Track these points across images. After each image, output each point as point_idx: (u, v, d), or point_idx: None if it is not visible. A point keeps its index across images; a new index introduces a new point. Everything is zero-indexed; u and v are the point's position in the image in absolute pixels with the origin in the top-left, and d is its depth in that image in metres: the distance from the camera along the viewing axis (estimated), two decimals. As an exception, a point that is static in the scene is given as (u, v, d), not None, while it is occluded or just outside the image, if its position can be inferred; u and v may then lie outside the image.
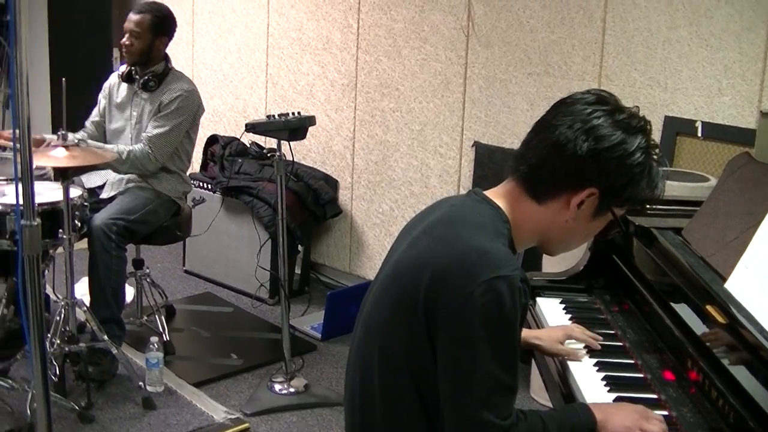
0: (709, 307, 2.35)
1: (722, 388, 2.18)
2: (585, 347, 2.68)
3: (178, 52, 7.13)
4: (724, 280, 2.43)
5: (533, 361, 2.91)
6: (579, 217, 2.20)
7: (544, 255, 3.23)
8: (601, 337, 2.72)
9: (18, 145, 2.65)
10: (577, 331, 2.71)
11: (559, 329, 2.74)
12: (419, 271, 2.09)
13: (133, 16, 5.04)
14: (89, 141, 4.88)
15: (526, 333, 2.67)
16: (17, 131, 2.64)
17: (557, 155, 2.15)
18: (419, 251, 2.17)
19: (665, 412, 2.30)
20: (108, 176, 5.17)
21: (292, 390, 4.75)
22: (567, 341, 2.69)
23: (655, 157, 2.19)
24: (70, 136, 4.45)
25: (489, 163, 5.35)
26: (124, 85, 5.20)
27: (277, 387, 4.77)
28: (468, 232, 2.12)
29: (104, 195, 5.14)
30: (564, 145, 2.13)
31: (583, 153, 2.11)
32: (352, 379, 2.32)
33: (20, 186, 2.67)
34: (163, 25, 5.10)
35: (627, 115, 2.18)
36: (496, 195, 2.25)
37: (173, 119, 4.99)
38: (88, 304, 4.64)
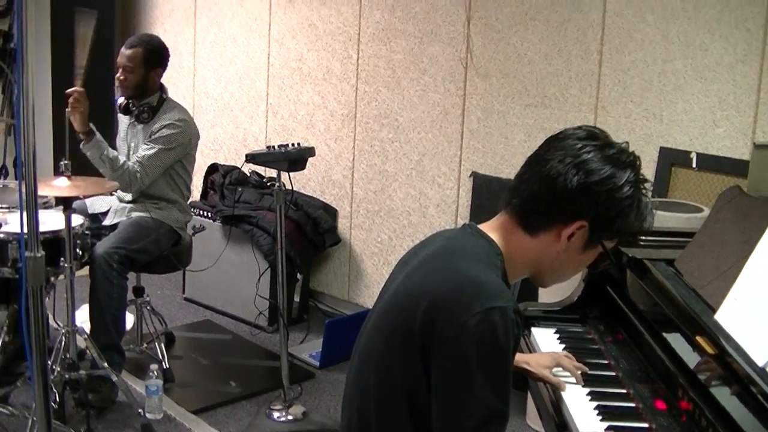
0: (699, 338, 2.39)
1: (711, 417, 2.21)
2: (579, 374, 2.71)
3: (179, 80, 7.19)
4: (715, 311, 2.47)
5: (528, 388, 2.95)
6: (570, 249, 2.25)
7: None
8: (587, 368, 2.75)
9: (24, 174, 2.68)
10: (565, 360, 2.74)
11: (548, 355, 2.78)
12: (415, 302, 2.13)
13: (125, 51, 5.08)
14: (97, 133, 4.90)
15: (516, 357, 2.71)
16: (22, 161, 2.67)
17: (548, 188, 2.20)
18: (415, 282, 2.21)
19: (656, 441, 2.34)
20: (112, 203, 5.22)
21: (290, 417, 4.77)
22: (556, 369, 2.73)
23: (644, 191, 2.25)
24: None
25: (486, 194, 5.39)
26: (124, 119, 5.27)
27: (276, 414, 4.79)
28: (463, 264, 2.17)
29: (107, 222, 5.18)
30: (555, 178, 2.19)
31: (573, 186, 2.16)
32: (349, 408, 2.35)
33: (25, 216, 2.70)
34: (156, 57, 5.14)
35: (617, 150, 2.23)
36: (490, 228, 2.30)
37: (161, 143, 5.03)
38: (88, 332, 4.68)
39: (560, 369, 2.74)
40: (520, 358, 2.73)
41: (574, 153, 2.20)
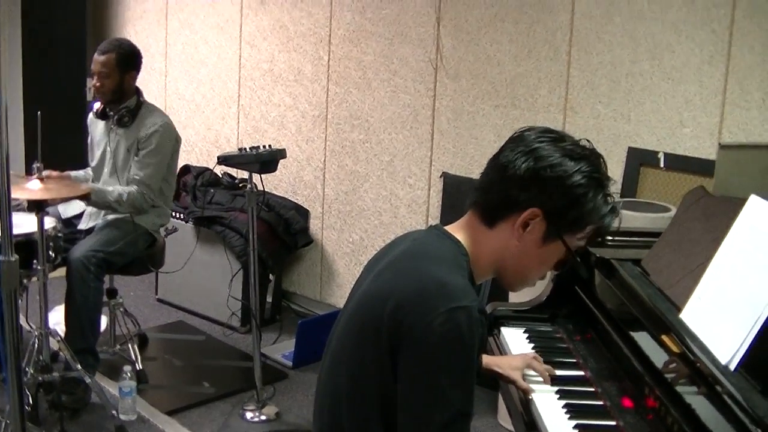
0: (664, 337, 2.43)
1: (677, 415, 2.26)
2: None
3: (150, 82, 7.19)
4: (680, 310, 2.51)
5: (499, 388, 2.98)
6: (527, 242, 2.25)
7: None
8: (554, 371, 2.77)
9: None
10: (535, 363, 2.77)
11: (519, 358, 2.80)
12: (383, 303, 2.15)
13: (98, 57, 5.06)
14: (92, 185, 4.96)
15: (487, 359, 2.74)
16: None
17: (500, 176, 2.24)
18: (382, 283, 2.23)
19: (623, 438, 2.39)
20: (85, 206, 5.22)
21: (263, 418, 4.80)
22: (527, 370, 2.76)
23: (603, 185, 2.25)
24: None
25: (457, 194, 5.43)
26: (100, 123, 5.24)
27: (249, 415, 4.81)
28: (429, 265, 2.19)
29: (82, 226, 5.18)
30: (505, 166, 2.22)
31: (522, 172, 2.19)
32: (320, 409, 2.37)
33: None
34: (130, 60, 5.13)
35: (571, 143, 2.25)
36: (456, 229, 2.34)
37: (155, 156, 5.06)
38: (62, 334, 4.68)
39: (531, 371, 2.77)
40: (491, 361, 2.76)
41: (526, 143, 2.23)
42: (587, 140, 2.30)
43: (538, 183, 2.19)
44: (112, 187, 5.00)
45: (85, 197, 4.83)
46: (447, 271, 2.17)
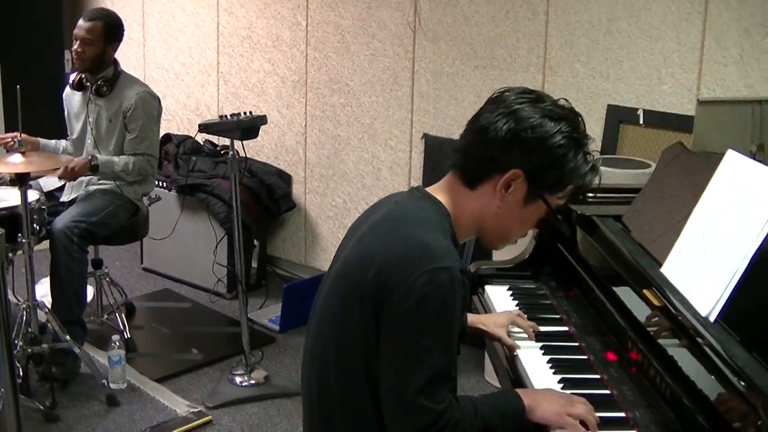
0: (646, 291, 2.47)
1: (659, 367, 2.30)
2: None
3: (129, 52, 7.17)
4: (661, 265, 2.55)
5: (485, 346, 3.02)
6: (509, 202, 2.28)
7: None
8: (538, 327, 2.80)
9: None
10: (519, 320, 2.80)
11: (503, 315, 2.83)
12: (366, 265, 2.18)
13: (84, 24, 5.04)
14: (98, 156, 4.97)
15: (472, 318, 2.78)
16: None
17: (480, 139, 2.26)
18: (365, 246, 2.26)
19: (607, 391, 2.43)
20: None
21: (252, 382, 4.84)
22: (511, 327, 2.79)
23: (583, 145, 2.27)
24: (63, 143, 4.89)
25: (438, 155, 5.45)
26: (78, 94, 5.24)
27: (238, 379, 4.85)
28: (411, 227, 2.22)
29: (64, 198, 5.19)
30: (486, 128, 2.24)
31: (503, 134, 2.21)
32: (309, 373, 2.40)
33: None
34: (114, 31, 5.12)
35: (550, 103, 2.27)
36: (437, 190, 2.36)
37: (147, 126, 5.10)
38: (48, 306, 4.71)
39: (515, 328, 2.80)
40: (476, 320, 2.79)
41: (506, 104, 2.25)
42: (565, 99, 2.32)
43: (519, 144, 2.21)
44: (117, 157, 5.02)
45: (94, 169, 4.86)
46: (429, 232, 2.20)
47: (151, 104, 5.15)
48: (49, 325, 4.70)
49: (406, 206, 2.33)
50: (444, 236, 2.23)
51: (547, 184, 2.27)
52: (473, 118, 2.33)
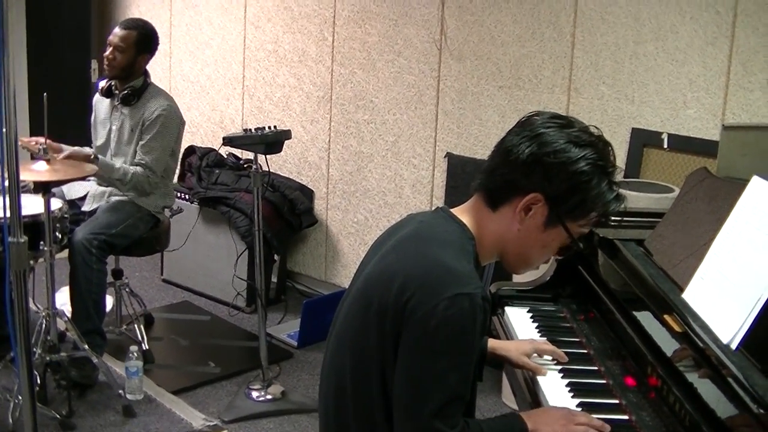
0: (667, 317, 2.45)
1: (679, 393, 2.28)
2: (553, 360, 2.75)
3: (155, 63, 7.14)
4: (683, 290, 2.53)
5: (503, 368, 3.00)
6: (529, 226, 2.27)
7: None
8: (565, 357, 2.76)
9: (6, 160, 2.71)
10: (545, 347, 2.76)
11: (527, 343, 2.79)
12: (388, 283, 2.18)
13: (119, 31, 5.09)
14: (100, 157, 4.98)
15: (494, 344, 2.75)
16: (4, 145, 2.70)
17: (504, 160, 2.26)
18: (389, 264, 2.26)
19: (626, 417, 2.41)
20: (90, 188, 5.23)
21: (269, 397, 4.83)
22: (534, 356, 2.76)
23: (608, 173, 2.26)
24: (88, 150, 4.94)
25: (461, 174, 5.45)
26: (105, 101, 5.26)
27: (255, 394, 4.84)
28: (435, 249, 2.22)
29: (86, 207, 5.19)
30: (509, 150, 2.24)
31: (525, 157, 2.21)
32: (326, 390, 2.40)
33: (7, 201, 2.73)
34: (148, 42, 5.17)
35: (578, 129, 2.26)
36: (462, 211, 2.36)
37: (160, 140, 5.08)
38: (68, 315, 4.72)
39: (539, 356, 2.78)
40: (499, 346, 2.77)
41: (532, 128, 2.25)
42: (596, 127, 2.31)
43: (540, 168, 2.20)
44: (119, 163, 5.02)
45: (91, 165, 4.86)
46: (453, 255, 2.20)
47: (171, 122, 5.15)
48: (68, 333, 4.71)
49: (431, 227, 2.33)
50: (467, 260, 2.23)
51: (569, 209, 2.26)
52: (501, 140, 2.32)
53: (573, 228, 2.30)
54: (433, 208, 2.45)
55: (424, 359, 2.11)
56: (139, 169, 5.02)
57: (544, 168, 2.20)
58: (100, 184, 5.18)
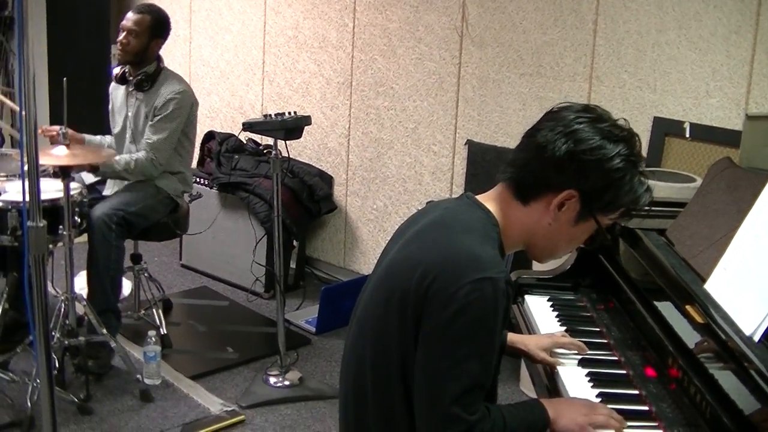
0: (688, 307, 2.43)
1: (700, 385, 2.26)
2: (574, 353, 2.73)
3: (175, 48, 7.20)
4: (705, 280, 2.51)
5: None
6: (560, 221, 2.27)
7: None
8: (586, 348, 2.74)
9: (25, 144, 2.71)
10: (564, 340, 2.74)
11: (546, 337, 2.77)
12: (411, 269, 2.17)
13: (132, 16, 5.10)
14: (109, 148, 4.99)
15: (513, 338, 2.73)
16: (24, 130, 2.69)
17: (538, 157, 2.24)
18: (412, 251, 2.25)
19: (646, 407, 2.39)
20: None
21: (287, 383, 4.83)
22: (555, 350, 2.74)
23: (639, 168, 2.26)
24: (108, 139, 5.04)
25: (481, 162, 5.43)
26: (121, 88, 5.27)
27: (272, 380, 4.84)
28: (459, 235, 2.21)
29: (106, 192, 5.22)
30: (544, 146, 2.22)
31: (561, 154, 2.19)
32: (346, 375, 2.40)
33: (26, 185, 2.73)
34: (161, 27, 5.16)
35: (610, 124, 2.25)
36: (487, 199, 2.34)
37: (170, 123, 5.07)
38: (84, 296, 4.73)
39: (559, 349, 2.76)
40: (519, 340, 2.75)
41: (565, 123, 2.23)
42: (624, 119, 2.30)
43: (576, 165, 2.20)
44: (118, 156, 5.01)
45: (94, 169, 4.87)
46: (477, 241, 2.19)
47: (183, 105, 5.14)
48: (85, 317, 4.71)
49: (456, 213, 2.32)
50: (492, 246, 2.22)
51: (602, 205, 2.26)
52: (530, 134, 2.30)
53: (602, 220, 2.30)
54: (458, 195, 2.43)
55: (445, 345, 2.10)
56: (141, 154, 5.03)
57: (580, 165, 2.20)
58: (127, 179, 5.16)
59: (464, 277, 2.08)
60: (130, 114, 5.20)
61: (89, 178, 5.27)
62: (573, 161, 2.19)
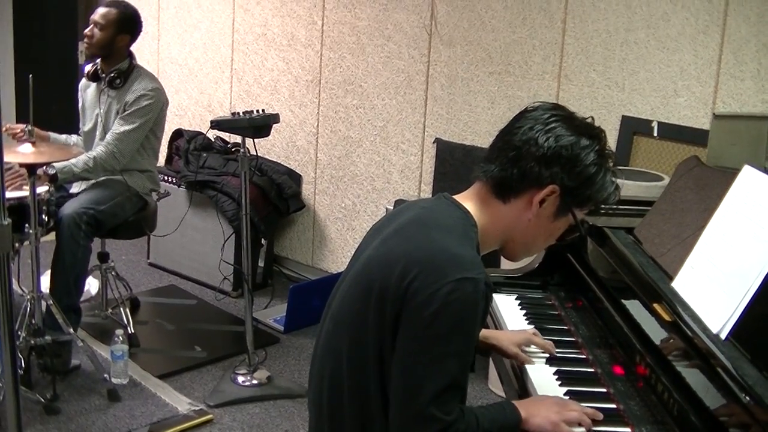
0: (656, 306, 2.44)
1: (667, 382, 2.27)
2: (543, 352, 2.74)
3: (143, 46, 7.15)
4: (672, 279, 2.52)
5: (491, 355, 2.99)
6: (541, 216, 2.31)
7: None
8: (555, 351, 2.74)
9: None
10: (536, 339, 2.75)
11: (519, 334, 2.77)
12: (391, 266, 2.17)
13: (100, 9, 5.11)
14: (56, 166, 4.88)
15: (486, 333, 2.73)
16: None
17: (520, 154, 2.26)
18: (390, 248, 2.25)
19: (613, 405, 2.39)
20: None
21: (255, 382, 4.82)
22: (526, 346, 2.74)
23: (609, 164, 2.32)
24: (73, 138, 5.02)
25: (450, 160, 5.43)
26: (92, 86, 5.25)
27: (241, 379, 4.83)
28: (438, 234, 2.21)
29: (74, 190, 5.17)
30: (527, 144, 2.26)
31: (544, 151, 2.23)
32: (320, 372, 2.38)
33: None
34: (128, 23, 5.14)
35: (581, 121, 2.32)
36: (465, 198, 2.35)
37: (140, 118, 5.05)
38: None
39: (531, 347, 2.77)
40: (490, 335, 2.76)
41: (542, 121, 2.27)
42: (592, 117, 2.38)
43: (559, 161, 2.24)
44: (74, 159, 4.92)
45: (52, 180, 4.73)
46: (457, 241, 2.20)
47: (154, 103, 5.12)
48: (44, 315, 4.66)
49: (434, 213, 2.33)
50: (471, 246, 2.23)
51: (579, 200, 2.31)
52: (507, 132, 2.34)
53: (578, 215, 2.36)
54: (435, 195, 2.44)
55: (423, 343, 2.10)
56: (100, 149, 5.00)
57: (562, 160, 2.24)
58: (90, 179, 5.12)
59: (445, 277, 2.08)
60: (101, 111, 5.17)
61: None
62: (555, 157, 2.24)
